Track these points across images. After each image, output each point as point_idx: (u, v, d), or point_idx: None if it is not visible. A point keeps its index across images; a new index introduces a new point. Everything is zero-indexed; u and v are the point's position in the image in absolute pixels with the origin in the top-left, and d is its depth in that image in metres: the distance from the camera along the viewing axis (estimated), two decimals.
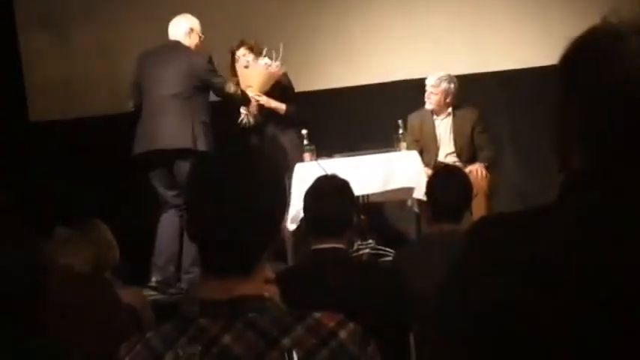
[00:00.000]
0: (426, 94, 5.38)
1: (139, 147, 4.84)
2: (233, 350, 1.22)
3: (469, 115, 5.41)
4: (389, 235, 5.57)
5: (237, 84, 5.16)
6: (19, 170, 5.71)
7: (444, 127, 5.45)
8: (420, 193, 4.82)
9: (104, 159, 5.83)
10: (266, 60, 5.24)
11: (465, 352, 0.98)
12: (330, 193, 2.62)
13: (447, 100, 5.38)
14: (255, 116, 5.38)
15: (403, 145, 5.23)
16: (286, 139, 5.42)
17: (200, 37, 5.03)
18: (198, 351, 1.23)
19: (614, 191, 0.95)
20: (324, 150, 5.22)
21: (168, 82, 4.82)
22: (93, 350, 1.65)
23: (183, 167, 4.69)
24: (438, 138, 5.46)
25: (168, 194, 4.87)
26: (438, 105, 5.38)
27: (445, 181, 3.09)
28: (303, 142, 5.17)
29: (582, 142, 0.98)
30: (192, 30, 5.00)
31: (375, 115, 6.02)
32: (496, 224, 1.04)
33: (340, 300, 2.29)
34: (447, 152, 5.46)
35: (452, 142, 5.44)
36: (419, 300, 2.48)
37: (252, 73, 5.28)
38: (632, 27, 0.97)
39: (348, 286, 2.44)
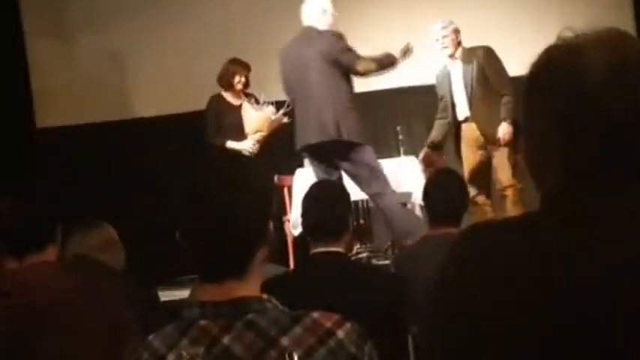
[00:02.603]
0: (440, 42, 5.18)
1: (298, 142, 4.74)
2: (233, 350, 1.24)
3: (476, 53, 5.17)
4: (387, 239, 5.55)
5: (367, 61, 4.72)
6: (25, 176, 5.74)
7: (457, 76, 5.24)
8: (418, 198, 4.87)
9: (111, 164, 5.87)
10: (271, 108, 5.16)
11: (454, 354, 0.99)
12: (327, 197, 2.63)
13: (459, 39, 5.20)
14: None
15: (402, 151, 5.28)
16: None
17: (333, 15, 4.77)
18: (201, 352, 1.24)
19: (592, 202, 0.97)
20: None
21: (309, 71, 4.63)
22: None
23: (349, 156, 4.59)
24: (453, 92, 5.25)
25: None
26: (454, 45, 5.18)
27: (440, 185, 3.11)
28: None
29: (551, 156, 0.99)
30: (325, 11, 4.74)
31: (375, 122, 6.04)
32: (482, 232, 1.05)
33: (339, 303, 2.30)
34: (463, 104, 5.23)
35: (465, 91, 5.20)
36: (417, 303, 2.47)
37: (262, 120, 5.18)
38: (591, 41, 0.98)
39: (347, 290, 2.44)
